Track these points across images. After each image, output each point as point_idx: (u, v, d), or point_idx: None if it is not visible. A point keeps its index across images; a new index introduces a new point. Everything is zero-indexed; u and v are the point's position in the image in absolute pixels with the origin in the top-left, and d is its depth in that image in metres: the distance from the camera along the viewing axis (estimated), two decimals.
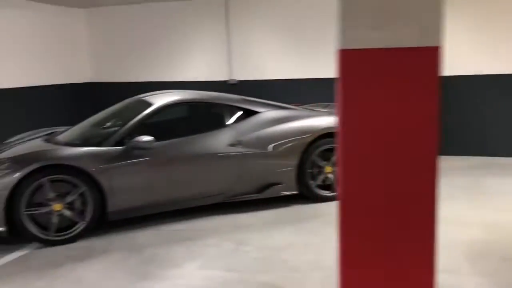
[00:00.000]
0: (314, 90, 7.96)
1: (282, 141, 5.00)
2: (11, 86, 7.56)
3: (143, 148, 4.41)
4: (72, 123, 8.32)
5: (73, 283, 3.52)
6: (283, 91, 8.08)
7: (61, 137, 4.94)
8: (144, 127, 4.69)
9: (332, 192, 5.24)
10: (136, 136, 4.50)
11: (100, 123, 5.33)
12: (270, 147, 4.95)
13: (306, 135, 5.07)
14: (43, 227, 4.20)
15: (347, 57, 2.07)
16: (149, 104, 4.90)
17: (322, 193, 5.20)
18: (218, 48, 8.44)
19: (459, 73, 7.05)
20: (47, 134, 5.29)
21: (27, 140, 5.15)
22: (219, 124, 5.01)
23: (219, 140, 4.82)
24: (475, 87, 7.10)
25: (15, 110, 7.65)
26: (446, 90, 6.97)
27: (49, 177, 4.13)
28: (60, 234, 4.23)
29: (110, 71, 9.24)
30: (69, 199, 4.23)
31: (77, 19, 8.99)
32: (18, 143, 5.07)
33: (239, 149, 4.83)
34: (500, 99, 7.01)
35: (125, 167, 4.41)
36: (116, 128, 4.80)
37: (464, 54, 7.02)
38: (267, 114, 5.18)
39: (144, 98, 5.25)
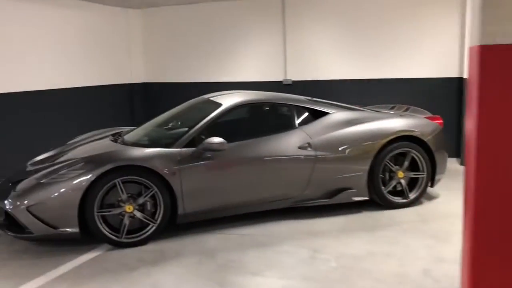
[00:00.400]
0: (371, 91, 7.70)
1: (354, 144, 4.79)
2: (67, 86, 7.63)
3: (215, 150, 4.28)
4: (127, 123, 8.42)
5: None
6: (339, 92, 7.85)
7: (128, 138, 4.90)
8: (212, 128, 4.58)
9: (404, 199, 5.00)
10: (206, 138, 4.39)
11: (165, 124, 5.27)
12: (342, 150, 4.75)
13: (379, 139, 4.84)
14: (114, 229, 4.14)
15: (487, 53, 1.85)
16: (217, 105, 4.78)
17: (394, 200, 4.95)
18: (273, 48, 8.29)
19: None
20: (112, 135, 5.26)
21: (92, 141, 5.13)
22: (287, 125, 4.84)
23: (289, 142, 4.65)
24: None
25: (69, 110, 7.72)
26: None
27: (122, 178, 4.06)
28: (131, 236, 4.16)
29: (164, 72, 9.23)
30: (140, 200, 4.16)
31: (132, 19, 9.02)
32: (83, 143, 5.07)
33: (310, 152, 4.65)
34: None
35: (196, 169, 4.30)
36: (184, 129, 4.71)
37: None
38: (337, 115, 4.98)
39: (210, 98, 5.15)
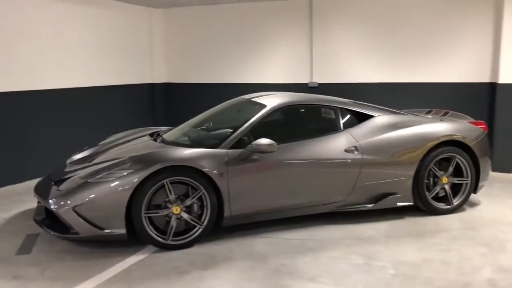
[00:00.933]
0: (398, 95, 7.60)
1: (401, 148, 4.69)
2: (89, 85, 7.52)
3: (264, 152, 4.18)
4: (148, 123, 8.29)
5: None
6: (366, 95, 7.71)
7: (168, 138, 4.80)
8: (256, 129, 4.47)
9: (448, 205, 4.90)
10: (249, 139, 4.30)
11: (202, 124, 5.18)
12: (388, 154, 4.65)
13: (425, 143, 4.74)
14: (159, 231, 4.03)
15: None
16: (261, 106, 4.69)
17: (438, 206, 4.86)
18: (299, 50, 8.19)
19: None
20: (150, 135, 5.16)
21: (128, 141, 5.03)
22: (332, 127, 4.75)
23: (335, 145, 4.56)
24: None
25: (90, 109, 7.62)
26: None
27: (170, 178, 3.96)
28: (177, 239, 4.05)
29: (186, 72, 9.13)
30: (188, 202, 4.05)
31: (155, 18, 8.92)
32: (121, 143, 4.96)
33: (357, 156, 4.55)
34: None
35: (244, 170, 4.20)
36: (227, 130, 4.63)
37: None
38: (381, 118, 4.89)
39: (252, 99, 5.04)
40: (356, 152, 4.56)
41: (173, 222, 4.02)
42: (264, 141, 4.15)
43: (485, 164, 5.00)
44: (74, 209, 3.84)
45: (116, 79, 8.09)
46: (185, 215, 4.05)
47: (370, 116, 4.89)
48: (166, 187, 3.97)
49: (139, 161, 4.01)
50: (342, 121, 4.79)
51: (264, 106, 4.65)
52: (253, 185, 4.25)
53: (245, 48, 8.55)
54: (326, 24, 7.93)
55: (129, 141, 5.02)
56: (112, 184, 3.86)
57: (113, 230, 3.90)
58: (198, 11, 8.75)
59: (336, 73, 8.02)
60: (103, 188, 3.87)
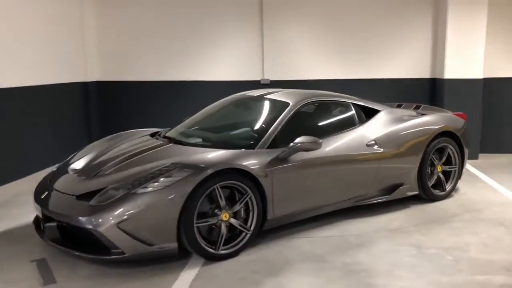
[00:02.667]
0: (349, 91, 7.91)
1: (409, 140, 4.91)
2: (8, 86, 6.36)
3: (310, 149, 4.07)
4: (81, 128, 7.40)
5: None
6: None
7: (186, 140, 4.43)
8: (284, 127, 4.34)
9: (442, 191, 5.26)
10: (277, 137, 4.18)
11: (207, 124, 4.89)
12: (400, 146, 4.84)
13: (427, 135, 5.03)
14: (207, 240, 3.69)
15: None
16: (283, 103, 4.55)
17: (435, 193, 5.19)
18: (250, 46, 8.08)
19: (498, 76, 7.49)
20: (151, 135, 4.72)
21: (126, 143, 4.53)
22: (350, 123, 4.79)
23: (359, 140, 4.61)
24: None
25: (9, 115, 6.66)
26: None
27: (221, 183, 3.65)
28: (225, 247, 3.75)
29: (125, 69, 8.42)
30: (237, 207, 3.77)
31: (87, 5, 8.05)
32: (122, 148, 4.44)
33: (377, 149, 4.66)
34: None
35: (286, 170, 4.03)
36: (247, 129, 4.46)
37: (501, 57, 7.49)
38: (387, 112, 5.07)
39: (267, 96, 4.85)
40: (376, 146, 4.66)
41: (224, 230, 3.71)
42: (309, 138, 4.03)
43: (467, 152, 5.46)
44: (118, 225, 3.33)
45: (40, 78, 6.84)
46: (233, 221, 3.76)
47: (376, 111, 5.03)
48: (217, 192, 3.65)
49: (186, 166, 3.61)
50: (357, 116, 4.86)
51: (286, 103, 4.51)
52: (294, 185, 4.11)
53: (193, 43, 8.17)
54: (277, 21, 7.93)
55: (133, 145, 4.48)
56: (162, 194, 3.43)
57: (163, 245, 3.47)
58: (141, 2, 8.13)
59: (287, 70, 8.07)
60: (151, 199, 3.42)
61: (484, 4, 7.01)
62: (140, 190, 3.45)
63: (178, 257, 3.68)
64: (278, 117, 4.32)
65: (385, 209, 4.92)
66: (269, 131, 4.19)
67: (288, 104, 4.49)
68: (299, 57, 8.02)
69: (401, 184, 4.91)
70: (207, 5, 8.04)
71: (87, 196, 3.60)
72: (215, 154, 3.83)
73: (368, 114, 5.00)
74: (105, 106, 8.46)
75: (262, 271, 3.54)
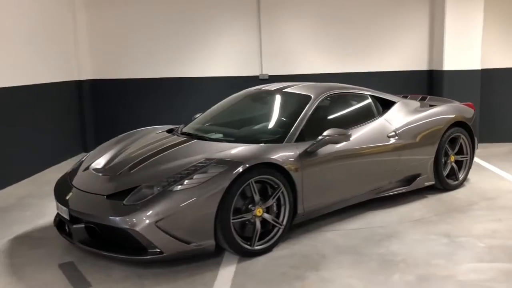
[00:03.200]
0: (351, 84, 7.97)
1: (425, 131, 4.94)
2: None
3: (339, 142, 4.05)
4: (75, 129, 7.17)
5: None
6: None
7: (210, 136, 4.34)
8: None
9: (455, 181, 5.32)
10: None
11: (224, 118, 4.85)
12: (417, 137, 4.86)
13: (442, 125, 5.07)
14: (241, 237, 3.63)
15: None
16: (304, 96, 4.51)
17: (450, 182, 5.25)
18: (248, 42, 8.01)
19: (495, 66, 7.63)
20: (167, 132, 4.63)
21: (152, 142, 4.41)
22: (370, 115, 4.79)
23: (380, 132, 4.61)
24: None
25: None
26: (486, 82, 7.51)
27: (255, 178, 3.59)
28: (259, 243, 3.69)
29: (118, 66, 8.23)
30: (270, 202, 3.72)
31: (78, 1, 7.85)
32: (143, 145, 4.33)
33: (398, 140, 4.68)
34: None
35: (315, 163, 4.00)
36: (267, 123, 4.45)
37: (499, 49, 7.63)
38: (402, 103, 5.09)
39: (287, 90, 4.79)
40: (396, 137, 4.67)
41: (259, 226, 3.65)
42: (338, 131, 4.01)
43: (476, 141, 5.54)
44: (156, 224, 3.23)
45: (32, 77, 6.58)
46: (267, 216, 3.71)
47: (392, 102, 5.04)
48: (251, 187, 3.58)
49: (221, 162, 3.53)
50: (375, 108, 4.86)
51: (308, 96, 4.47)
52: (322, 178, 4.08)
53: (190, 39, 8.05)
54: (274, 15, 7.90)
55: (154, 142, 4.37)
56: (199, 190, 3.35)
57: (201, 243, 3.39)
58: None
59: (286, 65, 8.05)
60: (188, 195, 3.33)
61: None
62: (177, 187, 3.36)
63: (210, 255, 3.60)
64: (302, 110, 4.27)
65: (403, 200, 4.94)
66: (295, 124, 4.15)
67: (310, 97, 4.45)
68: (297, 51, 8.00)
69: (419, 175, 4.94)
70: (203, 1, 7.93)
71: (117, 195, 3.48)
72: (247, 149, 3.76)
73: (384, 105, 5.00)
74: (99, 104, 8.27)
75: (301, 266, 3.50)
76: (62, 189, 3.94)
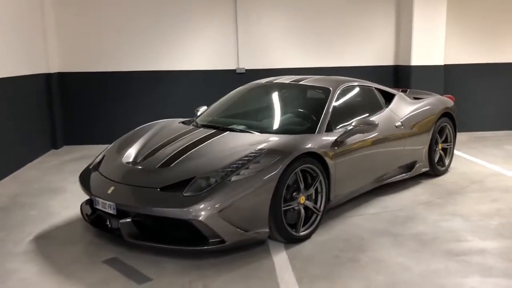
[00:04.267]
0: None
1: (423, 120, 5.32)
2: None
3: (369, 131, 4.30)
4: (44, 124, 6.84)
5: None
6: None
7: (234, 127, 4.41)
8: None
9: (442, 167, 5.79)
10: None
11: (242, 110, 4.96)
12: (417, 126, 5.23)
13: (434, 115, 5.49)
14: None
15: None
16: (322, 89, 4.70)
17: (439, 168, 5.70)
18: (224, 37, 8.05)
19: (456, 62, 8.31)
20: (190, 122, 4.67)
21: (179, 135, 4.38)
22: (378, 106, 5.07)
23: (389, 122, 4.91)
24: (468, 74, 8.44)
25: None
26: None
27: (301, 167, 3.72)
28: (302, 230, 3.83)
29: (88, 59, 7.92)
30: (312, 190, 3.87)
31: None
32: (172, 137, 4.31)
33: (403, 130, 5.01)
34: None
35: (344, 152, 4.20)
36: (290, 115, 4.65)
37: (459, 46, 8.32)
38: (401, 96, 5.44)
39: (301, 82, 4.94)
40: (402, 127, 5.00)
41: (303, 213, 3.79)
42: (366, 120, 4.25)
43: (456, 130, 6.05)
44: (219, 213, 3.27)
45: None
46: (309, 203, 3.86)
47: (392, 94, 5.38)
48: (298, 176, 3.72)
49: (272, 152, 3.62)
50: (381, 100, 5.16)
51: (327, 89, 4.65)
52: (350, 165, 4.28)
53: (164, 33, 7.93)
54: (251, 10, 8.00)
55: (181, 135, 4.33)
56: (255, 180, 3.43)
57: (258, 230, 3.48)
58: None
59: (263, 59, 8.19)
60: (246, 185, 3.39)
61: None
62: (234, 177, 3.41)
63: (255, 244, 3.68)
64: (326, 101, 4.46)
65: (402, 186, 5.29)
66: (323, 115, 4.32)
67: (329, 89, 4.64)
68: (274, 46, 8.17)
69: (416, 162, 5.32)
70: None
71: (169, 188, 3.47)
72: (291, 139, 3.89)
73: (387, 97, 5.31)
74: (69, 98, 7.92)
75: (348, 249, 3.69)
76: (97, 184, 3.81)
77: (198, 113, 5.18)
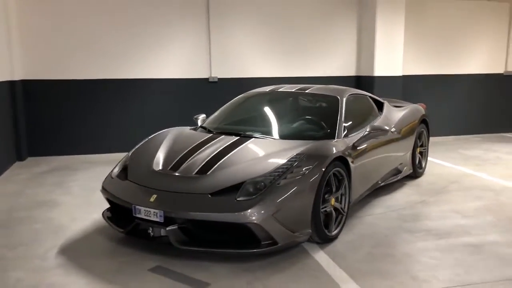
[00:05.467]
0: None
1: (408, 126, 5.76)
2: None
3: (383, 134, 4.62)
4: (8, 135, 6.53)
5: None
6: None
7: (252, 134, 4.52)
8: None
9: (420, 168, 6.29)
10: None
11: (255, 118, 5.09)
12: (404, 131, 5.65)
13: (416, 120, 5.97)
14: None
15: None
16: (331, 97, 4.95)
17: (418, 170, 6.19)
18: (197, 46, 8.09)
19: (411, 73, 9.01)
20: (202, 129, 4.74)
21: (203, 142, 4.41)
22: (375, 113, 5.41)
23: (387, 127, 5.26)
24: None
25: None
26: None
27: (333, 170, 3.93)
28: (332, 230, 4.03)
29: (54, 65, 7.58)
30: (340, 192, 4.09)
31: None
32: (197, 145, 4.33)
33: (396, 135, 5.40)
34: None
35: (360, 155, 4.47)
36: (302, 122, 4.84)
37: (408, 59, 9.03)
38: (387, 103, 5.85)
39: (308, 91, 5.15)
40: (395, 132, 5.40)
41: (334, 213, 4.00)
42: (379, 126, 4.58)
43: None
44: (274, 216, 3.39)
45: None
46: (337, 205, 4.07)
47: (381, 102, 5.77)
48: (332, 179, 3.92)
49: (311, 156, 3.80)
50: (375, 108, 5.52)
51: (335, 97, 4.89)
52: (362, 169, 4.55)
53: (135, 40, 7.81)
54: (223, 19, 8.12)
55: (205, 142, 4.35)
56: (301, 183, 3.59)
57: (302, 231, 3.63)
58: None
59: (235, 68, 8.34)
60: (294, 188, 3.54)
61: (401, 14, 8.40)
62: (283, 181, 3.54)
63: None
64: (338, 109, 4.70)
65: (391, 188, 5.66)
66: (338, 122, 4.55)
67: (337, 98, 4.89)
68: (245, 56, 8.36)
69: (403, 165, 5.74)
70: (156, 5, 7.78)
71: (217, 194, 3.52)
72: (322, 144, 4.09)
73: (378, 105, 5.69)
74: (34, 107, 7.53)
75: (378, 246, 3.94)
76: (133, 193, 3.74)
77: (198, 121, 5.17)
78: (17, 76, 7.24)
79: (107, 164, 6.05)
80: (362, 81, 8.83)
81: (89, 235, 4.21)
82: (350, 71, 8.94)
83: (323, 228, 3.82)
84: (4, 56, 6.88)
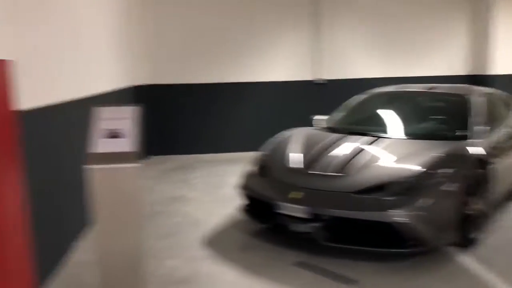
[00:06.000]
0: None
1: None
2: None
3: None
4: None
5: None
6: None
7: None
8: None
9: None
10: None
11: (377, 118, 5.02)
12: None
13: None
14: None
15: None
16: (459, 96, 4.80)
17: None
18: (304, 47, 8.20)
19: None
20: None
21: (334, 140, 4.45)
22: (505, 112, 5.14)
23: None
24: None
25: None
26: None
27: (474, 171, 3.84)
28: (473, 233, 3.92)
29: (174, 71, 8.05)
30: (480, 194, 3.95)
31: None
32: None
33: None
34: None
35: (499, 156, 4.31)
36: (434, 122, 4.75)
37: None
38: None
39: (438, 91, 5.04)
40: None
41: (474, 216, 3.89)
42: None
43: None
44: (421, 216, 3.39)
45: None
46: (479, 208, 3.94)
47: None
48: (473, 181, 3.82)
49: (452, 157, 3.77)
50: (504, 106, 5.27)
51: (465, 96, 4.72)
52: (503, 170, 4.32)
53: (243, 45, 8.05)
54: (333, 19, 8.13)
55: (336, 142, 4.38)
56: (445, 184, 3.59)
57: (445, 233, 3.61)
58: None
59: (343, 69, 8.34)
60: (439, 189, 3.54)
61: None
62: (428, 182, 3.51)
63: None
64: (470, 108, 4.49)
65: None
66: (472, 122, 4.35)
67: (468, 97, 4.67)
68: (355, 56, 8.33)
69: None
70: (263, 8, 8.01)
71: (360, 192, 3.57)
72: (462, 145, 3.99)
73: None
74: (152, 108, 8.03)
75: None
76: (277, 190, 3.88)
77: (320, 121, 5.11)
78: (141, 81, 7.77)
79: (221, 163, 6.32)
80: (476, 81, 8.43)
81: (227, 229, 4.44)
82: (459, 70, 8.62)
83: (466, 231, 3.73)
84: (128, 64, 7.42)
